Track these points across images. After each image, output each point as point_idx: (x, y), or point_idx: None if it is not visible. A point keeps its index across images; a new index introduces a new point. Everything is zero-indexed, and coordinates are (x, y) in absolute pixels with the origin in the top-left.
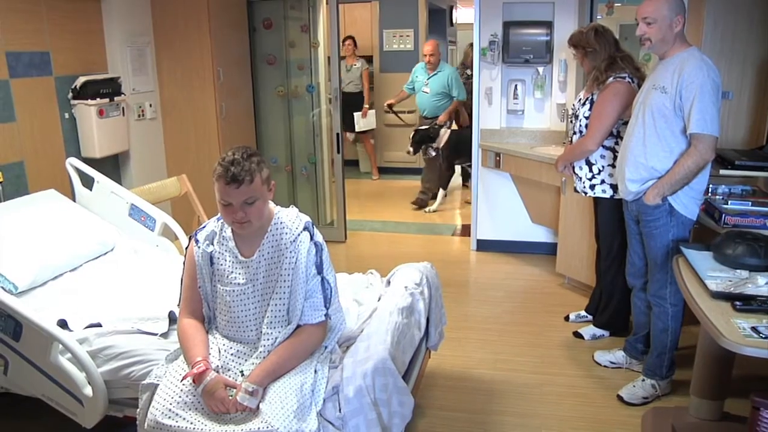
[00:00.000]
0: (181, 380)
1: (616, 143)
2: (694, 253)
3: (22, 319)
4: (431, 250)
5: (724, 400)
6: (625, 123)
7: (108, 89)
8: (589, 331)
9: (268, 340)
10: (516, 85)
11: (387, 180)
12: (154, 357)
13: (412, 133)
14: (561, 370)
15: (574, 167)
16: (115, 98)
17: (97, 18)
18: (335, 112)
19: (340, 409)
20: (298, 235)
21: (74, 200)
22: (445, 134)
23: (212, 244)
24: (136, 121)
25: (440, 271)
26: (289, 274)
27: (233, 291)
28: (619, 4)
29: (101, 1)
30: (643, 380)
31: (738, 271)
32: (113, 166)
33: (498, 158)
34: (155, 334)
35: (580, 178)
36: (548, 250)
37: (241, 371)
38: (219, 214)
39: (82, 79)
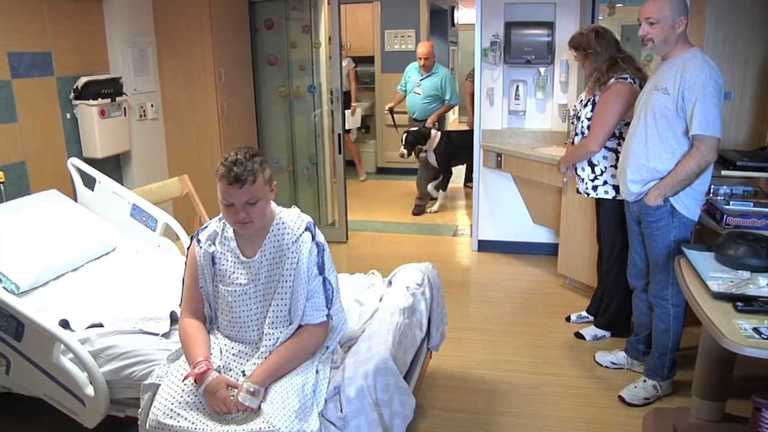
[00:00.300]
0: (183, 380)
1: (619, 144)
2: (695, 254)
3: (24, 319)
4: (432, 251)
5: (726, 400)
6: (628, 124)
7: (109, 89)
8: (590, 331)
9: (269, 340)
10: (517, 86)
11: (388, 180)
12: (155, 357)
13: (404, 134)
14: (562, 370)
15: (576, 168)
16: (117, 98)
17: (98, 18)
18: (337, 112)
19: (341, 410)
20: (300, 235)
21: (76, 200)
22: (435, 136)
23: (214, 244)
24: (138, 122)
25: (441, 271)
26: (290, 275)
27: (235, 291)
28: (620, 5)
29: (103, 2)
30: (645, 381)
31: (739, 271)
32: (115, 166)
33: (499, 159)
34: (157, 334)
35: (583, 180)
36: (549, 251)
37: (243, 371)
38: (221, 214)
39: (83, 80)
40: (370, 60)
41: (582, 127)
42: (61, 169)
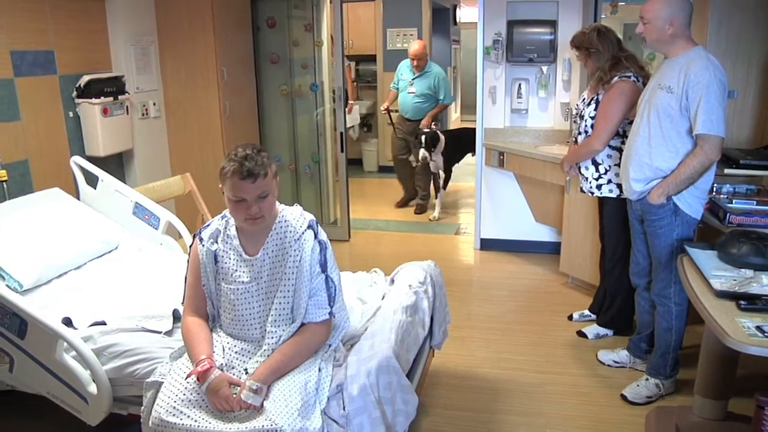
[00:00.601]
0: (186, 378)
1: (623, 143)
2: (698, 252)
3: (28, 317)
4: (435, 249)
5: (729, 399)
6: (631, 122)
7: (112, 88)
8: (592, 330)
9: (272, 338)
10: (520, 84)
11: (390, 178)
12: (158, 355)
13: (420, 138)
14: (564, 369)
15: (580, 167)
16: (119, 97)
17: (101, 17)
18: (339, 110)
19: (344, 407)
20: (303, 233)
21: (79, 199)
22: (441, 139)
23: (216, 242)
24: (140, 120)
25: (444, 270)
26: (293, 273)
27: (237, 289)
28: (623, 3)
29: (105, 1)
30: (647, 379)
31: (742, 270)
32: (117, 164)
33: (502, 157)
34: (159, 332)
35: (587, 179)
36: (552, 250)
37: (245, 369)
38: (223, 213)
39: (86, 78)
40: (372, 58)
41: (585, 126)
42: (63, 168)
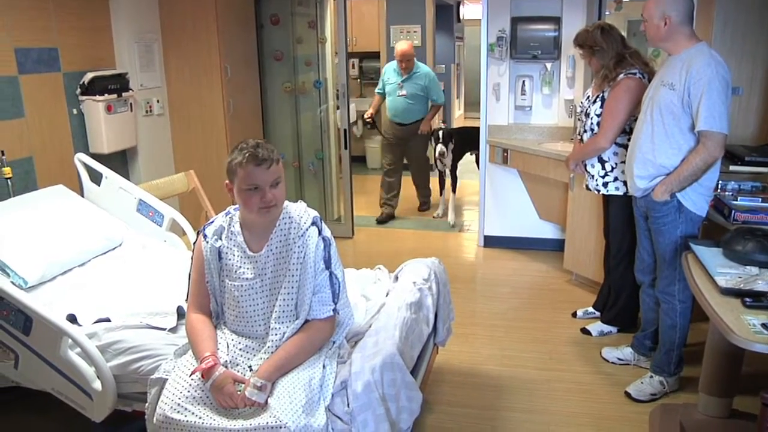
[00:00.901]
0: (190, 375)
1: (629, 140)
2: (703, 250)
3: (32, 314)
4: (438, 246)
5: (733, 397)
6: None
7: (116, 85)
8: (596, 327)
9: (276, 335)
10: (524, 81)
11: None
12: (162, 352)
13: (438, 133)
14: (568, 366)
15: (585, 165)
16: (123, 94)
17: (104, 14)
18: (342, 108)
19: (348, 404)
20: (307, 229)
21: (83, 196)
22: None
23: (220, 238)
24: (144, 117)
25: (447, 267)
26: (297, 269)
27: (241, 286)
28: (627, 0)
29: None
30: (651, 377)
31: (748, 267)
32: (121, 161)
33: (505, 154)
34: (164, 329)
35: (593, 176)
36: (556, 247)
37: (250, 366)
38: (227, 209)
39: (89, 75)
40: (375, 55)
41: (591, 123)
42: (67, 165)
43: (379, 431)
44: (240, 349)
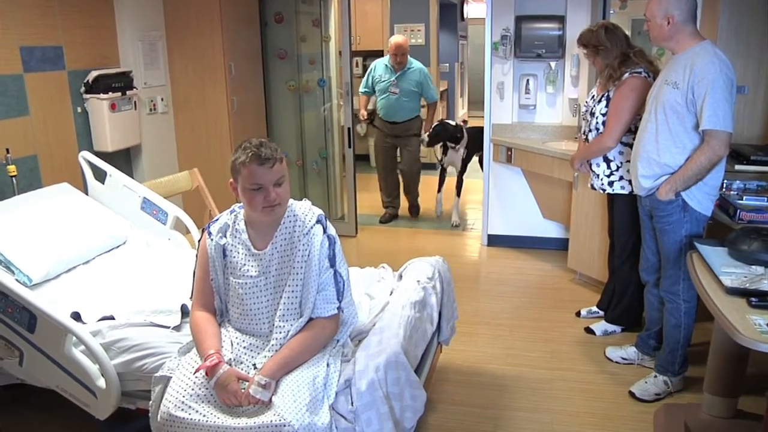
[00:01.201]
0: (194, 373)
1: (635, 139)
2: (708, 249)
3: (37, 312)
4: (442, 245)
5: (738, 397)
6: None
7: (120, 83)
8: (600, 326)
9: (280, 333)
10: (528, 80)
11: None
12: (166, 350)
13: (435, 126)
14: (572, 365)
15: (591, 165)
16: (127, 92)
17: (109, 13)
18: (346, 106)
19: (352, 403)
20: (311, 227)
21: (87, 194)
22: (465, 137)
23: (225, 236)
24: (148, 115)
25: (451, 266)
26: (301, 267)
27: (246, 283)
28: None
29: None
30: (656, 376)
31: (753, 267)
32: (125, 159)
33: (509, 153)
34: (168, 327)
35: (598, 176)
36: (560, 246)
37: (254, 364)
38: (232, 207)
39: (94, 74)
40: (379, 54)
41: (597, 123)
42: (72, 163)
43: (383, 430)
44: (244, 347)
